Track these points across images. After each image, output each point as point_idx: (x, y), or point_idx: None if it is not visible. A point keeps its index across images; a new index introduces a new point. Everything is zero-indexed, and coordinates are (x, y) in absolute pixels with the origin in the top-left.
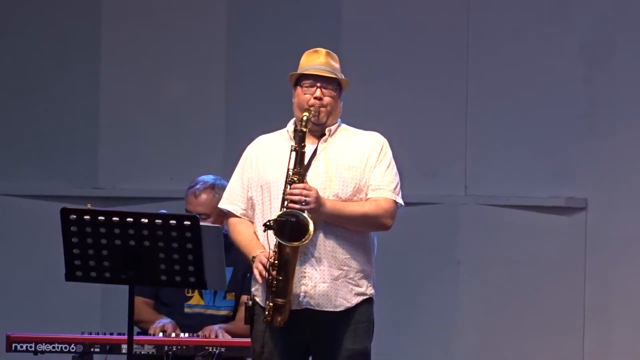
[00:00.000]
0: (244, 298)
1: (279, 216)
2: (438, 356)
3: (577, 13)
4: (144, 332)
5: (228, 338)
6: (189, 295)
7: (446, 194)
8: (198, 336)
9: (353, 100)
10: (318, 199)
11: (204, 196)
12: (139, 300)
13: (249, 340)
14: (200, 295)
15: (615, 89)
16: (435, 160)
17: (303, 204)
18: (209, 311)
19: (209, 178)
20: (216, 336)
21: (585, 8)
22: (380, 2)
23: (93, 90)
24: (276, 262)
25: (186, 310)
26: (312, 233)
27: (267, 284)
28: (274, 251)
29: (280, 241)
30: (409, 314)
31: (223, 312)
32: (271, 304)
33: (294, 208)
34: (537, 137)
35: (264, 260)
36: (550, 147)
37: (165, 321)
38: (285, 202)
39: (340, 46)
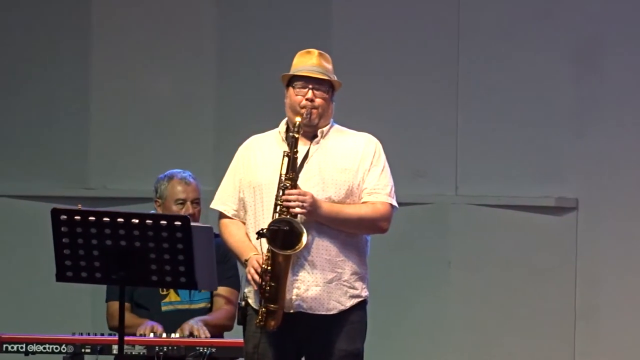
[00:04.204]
0: (220, 290)
1: (271, 224)
2: (429, 356)
3: (567, 12)
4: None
5: (206, 332)
6: (164, 293)
7: (437, 194)
8: (186, 336)
9: (344, 100)
10: (314, 202)
11: (193, 182)
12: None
13: (240, 340)
14: (176, 291)
15: (605, 89)
16: (425, 160)
17: (300, 209)
18: (187, 306)
19: (179, 170)
20: (193, 332)
21: (575, 7)
22: (371, 1)
23: (84, 90)
24: (269, 268)
25: (164, 308)
26: (304, 242)
27: (260, 290)
28: (266, 256)
29: (273, 249)
30: (400, 314)
31: (201, 305)
32: (264, 309)
33: (292, 213)
34: (527, 136)
35: (257, 265)
36: (541, 147)
37: (154, 322)
38: (278, 208)
39: (332, 46)
